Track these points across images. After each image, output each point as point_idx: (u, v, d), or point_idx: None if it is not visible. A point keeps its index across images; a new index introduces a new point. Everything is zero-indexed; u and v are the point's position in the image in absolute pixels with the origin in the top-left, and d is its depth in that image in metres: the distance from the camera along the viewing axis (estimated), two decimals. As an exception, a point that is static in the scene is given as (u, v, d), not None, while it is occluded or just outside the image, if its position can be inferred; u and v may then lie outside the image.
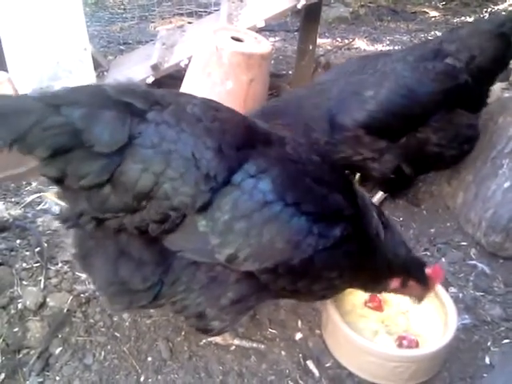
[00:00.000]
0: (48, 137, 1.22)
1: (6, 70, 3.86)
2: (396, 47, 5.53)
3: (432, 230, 2.68)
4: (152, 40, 4.69)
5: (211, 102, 1.60)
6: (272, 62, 4.97)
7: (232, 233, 1.42)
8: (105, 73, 4.32)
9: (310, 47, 4.27)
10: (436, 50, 2.54)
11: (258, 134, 1.57)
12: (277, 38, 5.65)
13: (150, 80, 3.69)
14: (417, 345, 1.85)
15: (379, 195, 2.81)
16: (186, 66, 3.51)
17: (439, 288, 2.00)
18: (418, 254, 2.48)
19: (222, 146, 1.40)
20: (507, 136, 2.50)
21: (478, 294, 2.30)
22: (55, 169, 1.29)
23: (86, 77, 4.14)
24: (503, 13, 6.48)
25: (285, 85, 4.27)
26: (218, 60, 3.05)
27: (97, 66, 4.33)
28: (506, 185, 2.44)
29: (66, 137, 1.24)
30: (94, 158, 1.27)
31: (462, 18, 6.57)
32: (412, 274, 1.79)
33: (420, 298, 1.88)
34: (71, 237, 1.56)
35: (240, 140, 1.47)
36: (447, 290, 2.27)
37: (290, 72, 4.63)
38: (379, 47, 5.60)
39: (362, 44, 5.63)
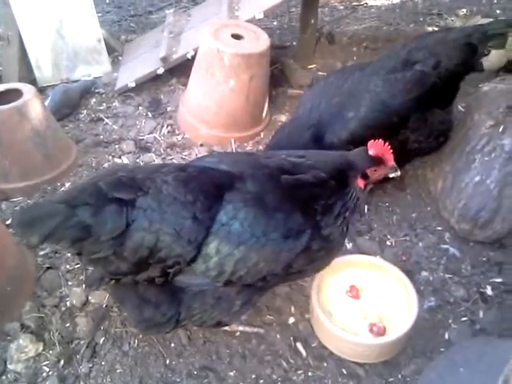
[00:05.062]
0: (69, 233, 1.64)
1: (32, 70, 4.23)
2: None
3: (413, 215, 3.03)
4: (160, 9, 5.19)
5: (180, 174, 1.90)
6: (277, 31, 5.15)
7: (223, 267, 1.86)
8: (119, 57, 4.61)
9: (312, 21, 4.43)
10: (405, 60, 2.80)
11: (223, 182, 1.90)
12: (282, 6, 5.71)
13: (161, 71, 3.99)
14: (384, 331, 2.28)
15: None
16: (193, 56, 3.79)
17: (406, 279, 2.41)
18: (398, 240, 2.89)
19: (197, 214, 1.79)
20: (479, 134, 2.76)
21: (446, 276, 2.66)
22: (75, 250, 1.74)
23: (101, 66, 4.47)
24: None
25: (288, 60, 4.48)
26: (220, 62, 3.34)
27: (111, 50, 4.63)
28: (477, 179, 2.74)
29: (80, 232, 1.65)
30: (101, 243, 1.69)
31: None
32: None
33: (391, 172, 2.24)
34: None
35: (210, 200, 1.83)
36: (419, 274, 2.69)
37: (295, 43, 4.80)
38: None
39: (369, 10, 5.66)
